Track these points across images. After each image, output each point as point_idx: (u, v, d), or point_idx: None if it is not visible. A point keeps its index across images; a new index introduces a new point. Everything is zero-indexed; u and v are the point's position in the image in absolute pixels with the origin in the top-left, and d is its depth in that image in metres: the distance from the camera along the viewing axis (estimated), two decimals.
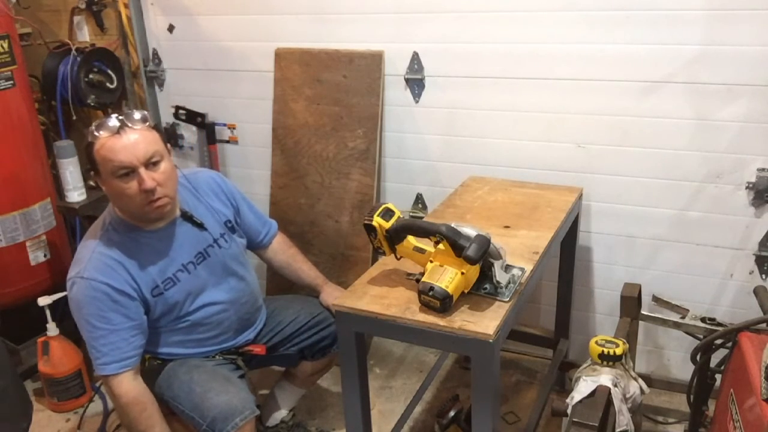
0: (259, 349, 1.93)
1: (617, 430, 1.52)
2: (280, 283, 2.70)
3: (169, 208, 1.72)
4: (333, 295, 1.97)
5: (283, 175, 2.69)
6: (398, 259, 1.61)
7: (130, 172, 1.61)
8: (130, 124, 1.62)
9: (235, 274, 1.89)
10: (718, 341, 1.70)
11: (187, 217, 1.80)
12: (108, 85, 2.79)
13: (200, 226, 1.82)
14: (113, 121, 1.61)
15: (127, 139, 1.60)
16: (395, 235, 1.55)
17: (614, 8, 2.07)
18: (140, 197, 1.63)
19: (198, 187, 1.90)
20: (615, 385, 1.54)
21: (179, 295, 1.76)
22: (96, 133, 1.61)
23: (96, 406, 2.50)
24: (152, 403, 1.70)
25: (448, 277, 1.42)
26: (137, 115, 1.65)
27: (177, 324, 1.79)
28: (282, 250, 2.11)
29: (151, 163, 1.63)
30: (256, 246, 2.07)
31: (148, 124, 1.67)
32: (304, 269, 2.10)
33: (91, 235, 1.73)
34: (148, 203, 1.64)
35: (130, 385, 1.67)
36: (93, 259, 1.67)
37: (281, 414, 2.20)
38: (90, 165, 1.67)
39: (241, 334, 1.93)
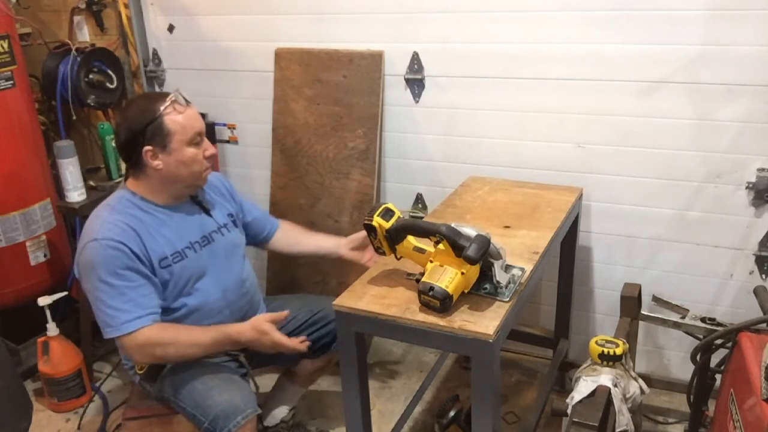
0: None
1: (617, 430, 1.52)
2: (280, 283, 2.71)
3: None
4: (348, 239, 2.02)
5: (283, 175, 2.69)
6: (398, 259, 1.61)
7: (201, 140, 1.76)
8: (189, 101, 1.77)
9: (234, 264, 1.92)
10: (718, 341, 1.70)
11: (196, 201, 1.87)
12: (108, 85, 2.78)
13: (207, 211, 1.89)
14: (180, 96, 1.75)
15: (194, 111, 1.77)
16: (395, 235, 1.55)
17: (614, 8, 2.07)
18: (205, 163, 1.78)
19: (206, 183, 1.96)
20: (615, 385, 1.55)
21: (185, 271, 1.77)
22: (177, 105, 1.72)
23: (96, 406, 2.51)
24: (171, 325, 1.73)
25: (448, 277, 1.42)
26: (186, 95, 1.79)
27: (173, 310, 1.78)
28: (288, 228, 2.16)
29: None
30: (262, 239, 2.11)
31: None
32: (316, 237, 2.15)
33: (102, 208, 1.76)
34: (206, 169, 1.80)
35: (152, 329, 1.66)
36: (105, 225, 1.68)
37: (281, 413, 2.20)
38: (151, 138, 1.70)
39: None
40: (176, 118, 1.70)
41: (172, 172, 1.74)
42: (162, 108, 1.69)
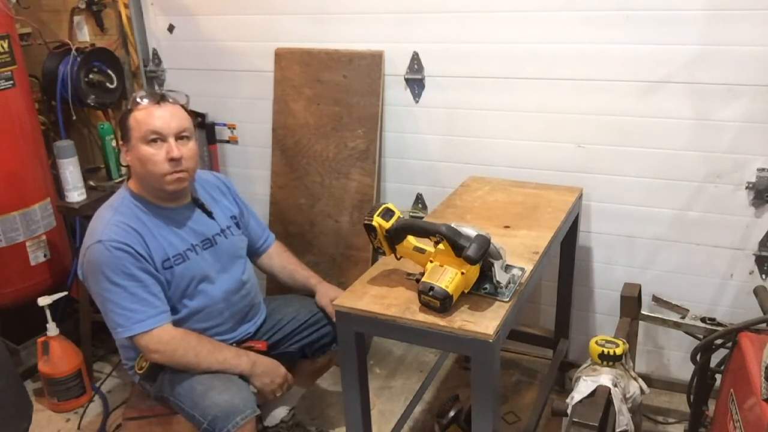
0: (260, 345, 1.94)
1: (617, 430, 1.52)
2: (280, 283, 2.70)
3: (186, 185, 1.79)
4: (328, 296, 1.98)
5: (283, 175, 2.69)
6: (398, 259, 1.61)
7: (159, 139, 1.70)
8: (170, 99, 1.75)
9: (236, 266, 1.92)
10: (718, 341, 1.70)
11: (198, 204, 1.87)
12: (108, 85, 2.78)
13: (209, 214, 1.89)
14: (156, 92, 1.76)
15: (165, 109, 1.72)
16: (395, 235, 1.55)
17: (614, 8, 2.07)
18: (165, 166, 1.70)
19: (207, 183, 1.98)
20: (615, 385, 1.54)
21: (187, 272, 1.78)
22: (138, 100, 1.72)
23: (96, 406, 2.50)
24: (194, 334, 1.77)
25: (448, 277, 1.42)
26: (177, 94, 1.78)
27: (174, 311, 1.78)
28: (278, 254, 2.14)
29: (180, 138, 1.73)
30: (254, 252, 2.10)
31: (184, 104, 1.79)
32: (298, 270, 2.12)
33: (104, 209, 1.77)
34: (170, 173, 1.71)
35: (176, 329, 1.73)
36: (109, 227, 1.69)
37: (281, 413, 2.20)
38: (121, 132, 1.76)
39: (240, 327, 1.93)
40: (136, 114, 1.72)
41: (136, 169, 1.76)
42: (130, 104, 1.74)
